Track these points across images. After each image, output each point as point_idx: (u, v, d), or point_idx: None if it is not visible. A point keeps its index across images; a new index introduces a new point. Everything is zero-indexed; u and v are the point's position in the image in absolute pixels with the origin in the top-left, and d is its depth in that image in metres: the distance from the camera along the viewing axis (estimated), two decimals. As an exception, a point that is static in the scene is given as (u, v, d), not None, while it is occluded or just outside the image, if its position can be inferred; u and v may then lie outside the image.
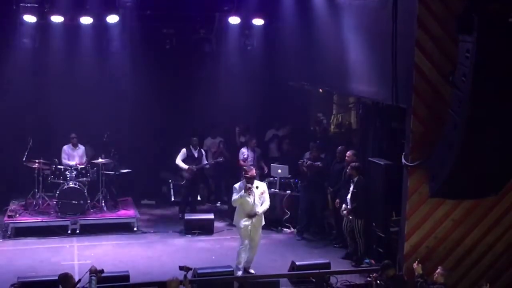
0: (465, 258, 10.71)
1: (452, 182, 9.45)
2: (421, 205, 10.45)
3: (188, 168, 14.99)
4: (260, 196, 11.58)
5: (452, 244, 10.64)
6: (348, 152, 12.82)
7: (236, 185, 11.66)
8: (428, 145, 10.04)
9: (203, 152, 15.36)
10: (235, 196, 11.55)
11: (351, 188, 12.26)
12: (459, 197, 10.23)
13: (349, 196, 12.31)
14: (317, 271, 10.95)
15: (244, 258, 11.65)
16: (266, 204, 11.71)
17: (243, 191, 11.44)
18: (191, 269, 9.36)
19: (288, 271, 11.47)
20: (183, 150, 15.06)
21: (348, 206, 12.33)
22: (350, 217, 12.30)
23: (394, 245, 11.41)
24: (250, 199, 11.46)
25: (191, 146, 15.13)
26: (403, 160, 10.47)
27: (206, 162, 15.34)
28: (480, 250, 10.75)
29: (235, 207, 11.82)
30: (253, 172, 11.59)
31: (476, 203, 10.50)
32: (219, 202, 16.16)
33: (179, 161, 15.02)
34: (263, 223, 11.84)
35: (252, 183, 11.46)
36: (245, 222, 11.55)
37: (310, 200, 13.75)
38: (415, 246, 10.52)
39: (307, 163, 13.77)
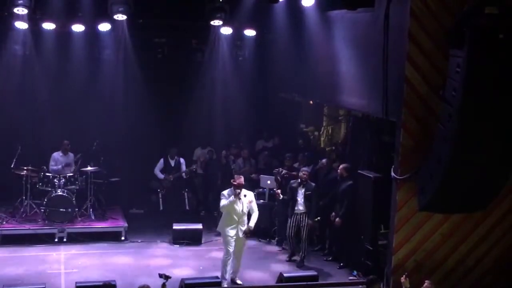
0: (453, 272, 10.73)
1: (441, 196, 9.47)
2: (409, 219, 10.47)
3: (164, 177, 15.24)
4: (248, 205, 11.65)
5: (440, 258, 10.65)
6: (340, 167, 12.87)
7: (225, 192, 11.71)
8: (418, 159, 10.06)
9: (182, 161, 15.46)
10: (224, 202, 11.57)
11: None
12: (448, 211, 10.26)
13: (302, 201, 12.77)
14: (305, 283, 10.92)
15: (229, 269, 11.64)
16: (256, 215, 11.76)
17: (232, 196, 11.49)
18: (170, 277, 9.40)
19: (276, 282, 11.43)
20: (161, 160, 15.40)
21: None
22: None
23: (382, 258, 11.42)
24: (238, 207, 11.52)
25: (168, 156, 15.35)
26: (392, 173, 10.50)
27: (183, 170, 15.39)
28: (468, 264, 10.77)
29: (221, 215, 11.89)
30: (241, 180, 11.60)
31: (465, 217, 10.53)
32: (203, 212, 16.16)
33: (156, 171, 15.39)
34: (245, 228, 11.79)
35: (240, 190, 11.52)
36: (231, 231, 11.57)
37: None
38: (403, 259, 10.53)
39: (282, 172, 13.82)
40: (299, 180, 12.94)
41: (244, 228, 11.64)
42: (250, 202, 11.72)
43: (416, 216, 10.44)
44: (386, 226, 11.28)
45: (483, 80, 8.64)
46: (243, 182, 11.67)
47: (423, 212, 10.23)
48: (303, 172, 12.98)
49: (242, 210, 11.55)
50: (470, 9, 8.78)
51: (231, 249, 11.57)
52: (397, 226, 10.49)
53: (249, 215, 11.79)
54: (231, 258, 11.62)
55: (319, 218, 13.03)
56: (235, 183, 11.55)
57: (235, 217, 11.54)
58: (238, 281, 11.87)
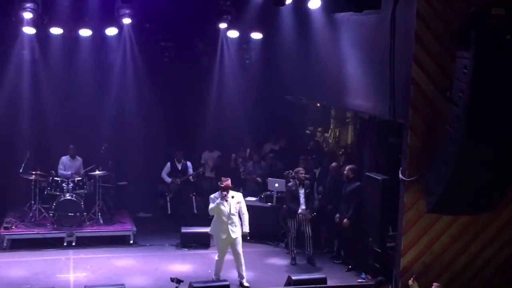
0: (462, 274, 10.68)
1: (449, 197, 9.44)
2: (417, 220, 10.44)
3: (171, 181, 15.25)
4: (236, 206, 11.88)
5: (448, 260, 10.61)
6: (346, 168, 12.90)
7: (212, 195, 12.00)
8: (425, 160, 10.03)
9: (188, 164, 15.49)
10: (211, 205, 11.84)
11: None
12: (456, 213, 10.22)
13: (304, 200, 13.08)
14: (314, 286, 10.90)
15: (221, 267, 12.00)
16: (246, 216, 12.05)
17: (219, 199, 11.75)
18: (182, 281, 9.41)
19: (284, 285, 11.41)
20: (168, 164, 15.46)
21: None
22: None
23: (390, 260, 11.40)
24: (225, 208, 11.77)
25: (175, 160, 15.38)
26: (400, 175, 10.47)
27: (190, 173, 15.43)
28: (477, 266, 10.72)
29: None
30: (228, 182, 11.89)
31: (473, 219, 10.49)
32: (211, 215, 16.21)
33: (163, 175, 15.46)
34: (242, 233, 12.03)
35: (227, 192, 11.76)
36: (221, 234, 11.85)
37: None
38: (411, 262, 10.50)
39: (292, 174, 13.87)
40: (297, 181, 13.12)
41: (235, 229, 11.86)
42: (238, 202, 11.97)
43: (424, 218, 10.40)
44: (394, 228, 11.25)
45: (490, 81, 8.61)
46: (230, 184, 11.96)
47: (431, 214, 10.20)
48: (300, 172, 13.17)
49: (230, 211, 11.81)
50: (477, 10, 8.77)
51: (223, 250, 11.91)
52: (405, 228, 10.47)
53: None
54: (224, 258, 11.98)
55: (315, 213, 13.27)
56: (222, 185, 11.85)
57: (224, 218, 11.80)
58: (246, 284, 11.94)
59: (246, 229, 12.01)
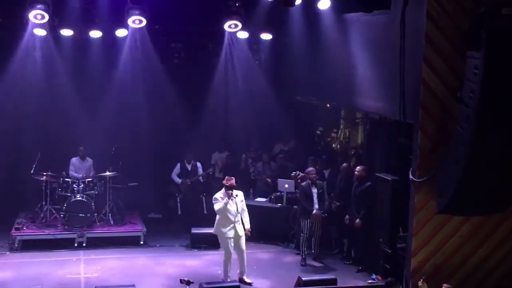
0: (472, 275, 10.65)
1: (459, 198, 9.41)
2: (428, 221, 10.42)
3: (181, 182, 15.33)
4: (240, 204, 12.06)
5: (459, 260, 10.59)
6: (358, 167, 12.89)
7: (217, 195, 12.05)
8: (436, 161, 10.01)
9: (198, 165, 15.54)
10: (220, 205, 11.90)
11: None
12: (466, 214, 10.19)
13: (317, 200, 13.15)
14: (324, 286, 10.90)
15: (230, 267, 12.01)
16: (247, 214, 12.21)
17: (226, 198, 11.84)
18: (192, 282, 9.41)
19: (295, 286, 11.42)
20: (177, 165, 15.50)
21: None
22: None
23: (401, 261, 11.37)
24: (232, 207, 11.89)
25: (185, 160, 15.46)
26: (411, 176, 10.45)
27: (200, 174, 15.49)
28: (487, 268, 10.69)
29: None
30: (233, 181, 11.96)
31: (484, 219, 10.46)
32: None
33: (173, 176, 15.50)
34: (244, 230, 12.15)
35: (232, 191, 11.89)
36: (228, 233, 11.94)
37: None
38: (422, 262, 10.49)
39: (300, 175, 13.85)
40: (309, 181, 13.16)
41: (240, 226, 12.00)
42: (242, 201, 12.12)
43: (434, 219, 10.39)
44: (405, 229, 11.23)
45: (501, 82, 8.59)
46: (234, 184, 12.02)
47: (442, 214, 10.17)
48: (311, 172, 13.24)
49: (237, 210, 11.96)
50: (487, 10, 8.74)
51: (230, 250, 11.95)
52: (416, 229, 10.45)
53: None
54: (231, 257, 12.00)
55: (326, 214, 13.31)
56: (227, 184, 11.93)
57: (231, 217, 11.91)
58: (247, 280, 12.05)
59: (248, 225, 12.13)
